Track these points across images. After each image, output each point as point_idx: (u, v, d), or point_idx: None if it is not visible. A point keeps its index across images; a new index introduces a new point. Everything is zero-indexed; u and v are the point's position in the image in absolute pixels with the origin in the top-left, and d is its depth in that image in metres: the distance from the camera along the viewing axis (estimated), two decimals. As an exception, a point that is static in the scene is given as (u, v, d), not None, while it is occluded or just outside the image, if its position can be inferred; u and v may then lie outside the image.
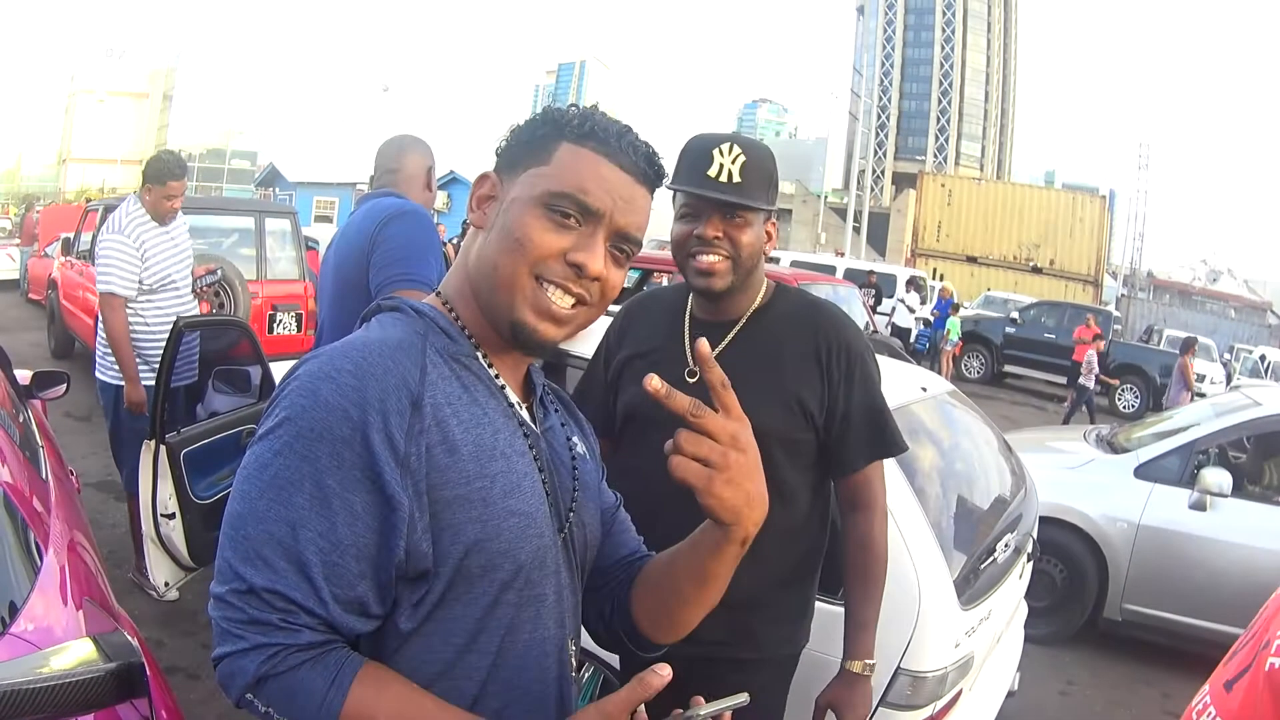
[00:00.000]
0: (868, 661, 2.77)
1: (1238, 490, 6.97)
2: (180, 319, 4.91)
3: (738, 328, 2.80)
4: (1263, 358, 34.31)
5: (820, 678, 2.97)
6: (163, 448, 4.64)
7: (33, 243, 24.84)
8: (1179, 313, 49.89)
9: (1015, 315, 27.63)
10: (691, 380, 2.67)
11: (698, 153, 2.63)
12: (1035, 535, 4.92)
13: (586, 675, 3.99)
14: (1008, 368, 26.80)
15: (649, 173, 1.64)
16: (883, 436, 2.78)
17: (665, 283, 13.26)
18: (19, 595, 2.62)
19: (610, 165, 1.58)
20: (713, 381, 1.48)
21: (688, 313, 2.90)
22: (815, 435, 2.75)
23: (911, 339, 24.78)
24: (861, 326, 11.44)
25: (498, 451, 1.55)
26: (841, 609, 2.98)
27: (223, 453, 5.14)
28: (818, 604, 3.12)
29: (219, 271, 6.65)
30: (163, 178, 5.89)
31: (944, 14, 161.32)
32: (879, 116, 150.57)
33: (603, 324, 4.15)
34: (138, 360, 5.74)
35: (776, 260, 24.88)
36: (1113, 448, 8.01)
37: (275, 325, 11.49)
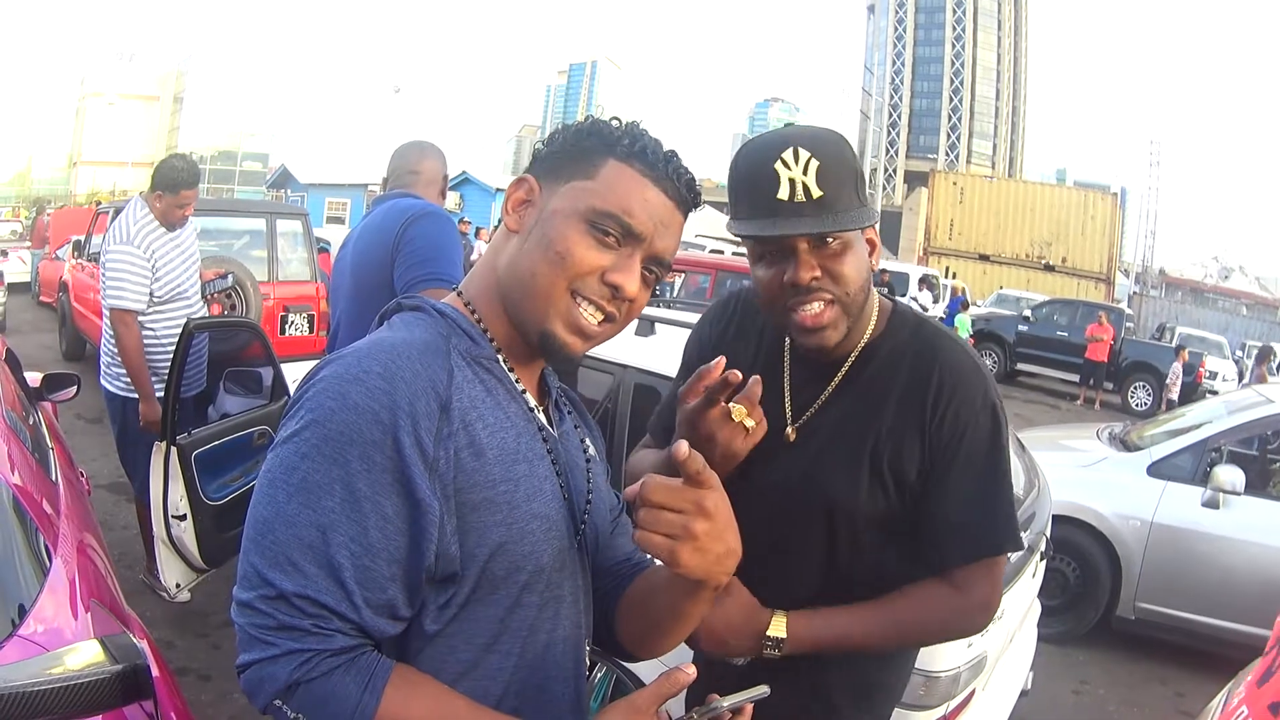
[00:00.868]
0: (781, 635, 2.12)
1: (1251, 488, 6.95)
2: (190, 320, 4.90)
3: (841, 373, 2.20)
4: (1277, 358, 34.18)
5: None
6: (174, 449, 4.63)
7: (44, 245, 24.94)
8: (1191, 310, 49.74)
9: (1028, 313, 27.59)
10: (790, 442, 2.21)
11: (756, 171, 1.98)
12: (1048, 534, 4.91)
13: (599, 675, 3.99)
14: (1020, 366, 26.74)
15: (688, 199, 1.65)
16: (993, 531, 2.13)
17: (678, 284, 13.27)
18: (28, 597, 2.62)
19: (655, 189, 1.59)
20: (688, 472, 1.46)
21: (786, 350, 2.30)
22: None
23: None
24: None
25: (520, 455, 1.55)
26: None
27: (234, 454, 5.13)
28: None
29: (230, 276, 6.63)
30: (176, 186, 5.73)
31: (954, 12, 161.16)
32: (890, 115, 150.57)
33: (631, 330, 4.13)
34: (150, 375, 5.66)
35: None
36: (1125, 446, 7.99)
37: (287, 326, 11.50)
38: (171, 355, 5.07)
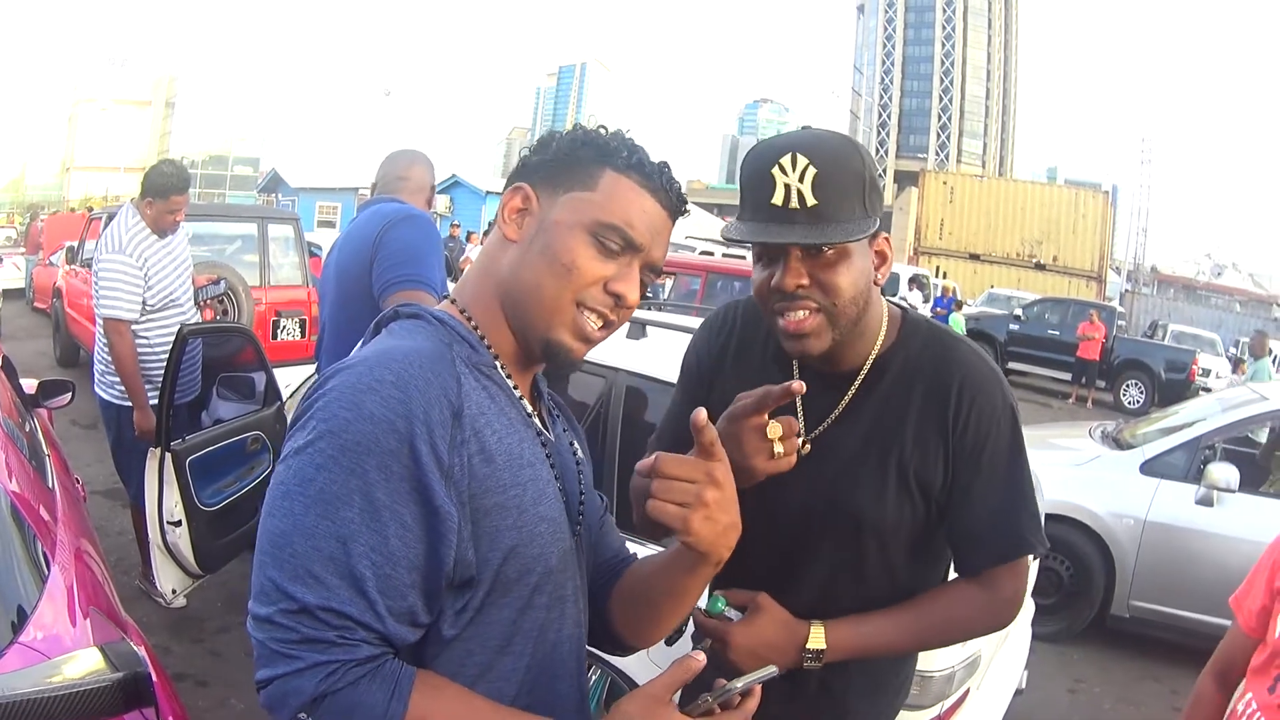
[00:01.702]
0: (821, 647, 2.09)
1: (1245, 485, 6.96)
2: (184, 326, 4.90)
3: (855, 387, 2.17)
4: (1272, 354, 34.19)
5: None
6: (168, 455, 4.63)
7: (38, 251, 24.88)
8: (1184, 307, 49.79)
9: (1019, 312, 27.64)
10: (804, 452, 2.13)
11: (757, 174, 1.96)
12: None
13: (594, 678, 4.00)
14: (1011, 364, 26.77)
15: (677, 209, 1.70)
16: (1020, 533, 2.13)
17: (669, 286, 13.26)
18: (27, 604, 2.62)
19: (651, 199, 1.64)
20: (702, 441, 1.53)
21: (795, 362, 2.23)
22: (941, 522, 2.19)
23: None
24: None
25: (525, 460, 1.58)
26: None
27: (228, 459, 5.15)
28: None
29: (222, 283, 6.64)
30: (166, 192, 5.73)
31: (944, 11, 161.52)
32: (880, 115, 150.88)
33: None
34: (144, 383, 5.66)
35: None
36: (1118, 444, 8.01)
37: (279, 331, 11.53)
38: (165, 362, 5.05)
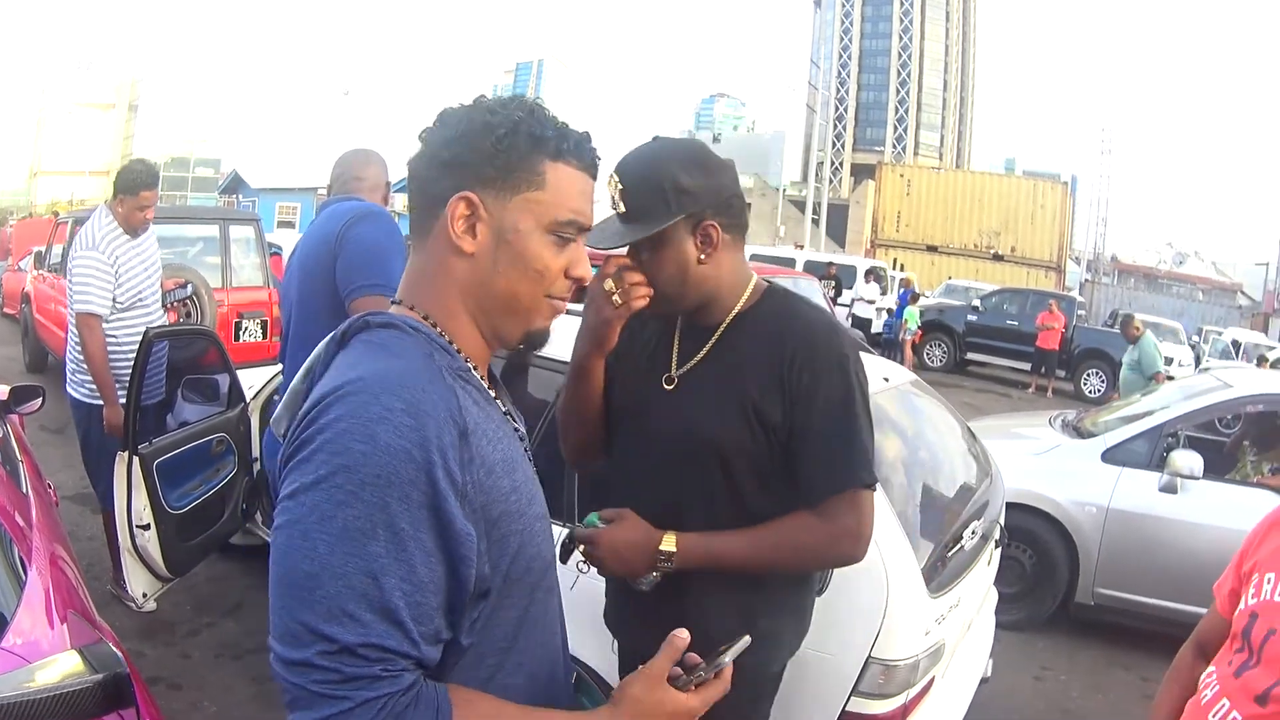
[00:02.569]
0: (671, 549, 2.44)
1: (1209, 472, 7.01)
2: (149, 329, 4.90)
3: (714, 338, 2.58)
4: (1235, 342, 34.48)
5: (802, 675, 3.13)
6: (136, 459, 4.64)
7: (6, 257, 24.67)
8: (1145, 296, 50.28)
9: (977, 303, 27.74)
10: (669, 387, 2.60)
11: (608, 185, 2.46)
12: (1003, 522, 4.97)
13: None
14: (970, 355, 26.91)
15: (596, 169, 1.77)
16: (851, 465, 2.44)
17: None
18: (6, 609, 2.63)
19: (585, 177, 1.71)
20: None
21: (679, 320, 2.69)
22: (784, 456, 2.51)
23: (872, 329, 25.02)
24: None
25: (514, 461, 1.63)
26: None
27: (194, 462, 5.17)
28: None
29: (189, 286, 6.64)
30: (135, 188, 5.84)
31: (902, 4, 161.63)
32: (837, 108, 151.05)
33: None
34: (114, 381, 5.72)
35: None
36: (1079, 433, 8.05)
37: (241, 333, 11.48)
38: (132, 363, 5.09)
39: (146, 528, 4.69)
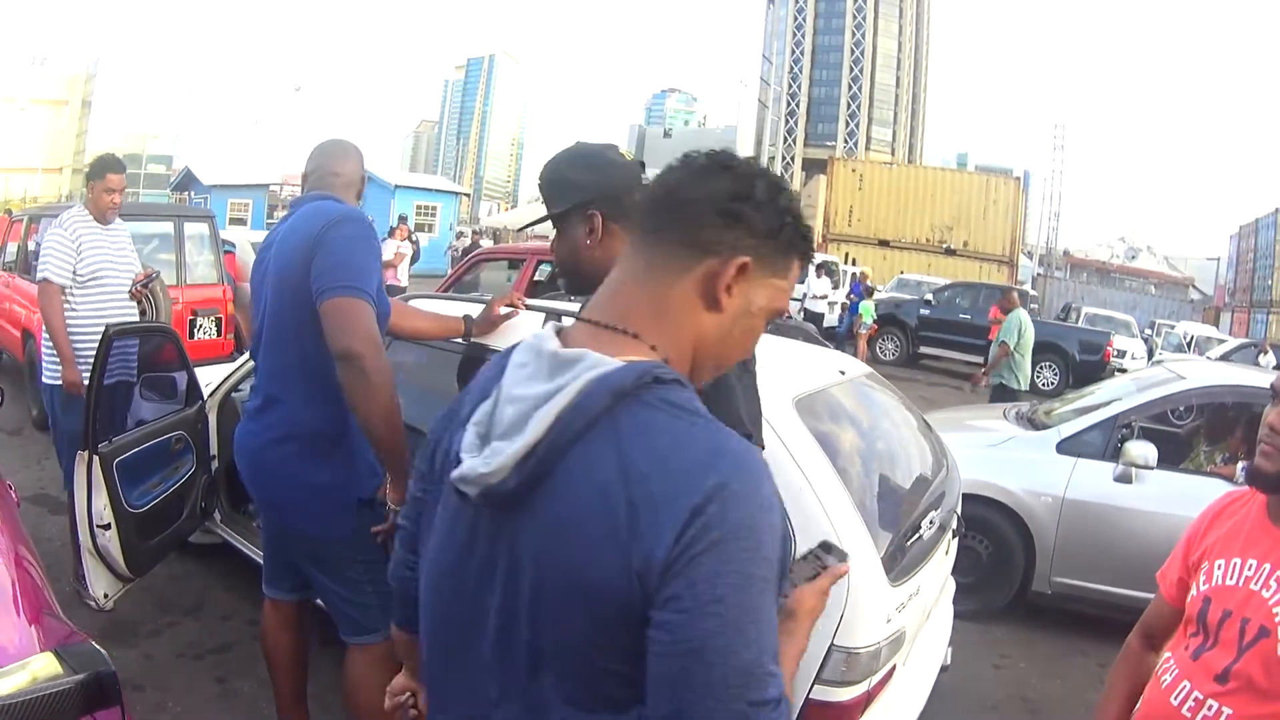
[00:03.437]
0: None
1: (1163, 462, 7.12)
2: (110, 326, 4.87)
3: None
4: (1187, 335, 34.86)
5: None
6: (95, 458, 4.60)
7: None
8: (1098, 290, 50.79)
9: (929, 297, 27.92)
10: None
11: None
12: (959, 512, 5.02)
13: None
14: (923, 349, 27.08)
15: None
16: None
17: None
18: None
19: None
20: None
21: None
22: None
23: (825, 323, 25.18)
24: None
25: None
26: None
27: (153, 460, 5.13)
28: None
29: (157, 273, 6.78)
30: (102, 171, 6.37)
31: (855, 0, 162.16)
32: (789, 104, 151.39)
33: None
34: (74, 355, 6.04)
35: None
36: (1033, 424, 8.16)
37: (196, 330, 11.40)
38: (91, 338, 5.56)
39: (107, 527, 4.65)
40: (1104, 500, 7.16)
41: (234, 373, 6.04)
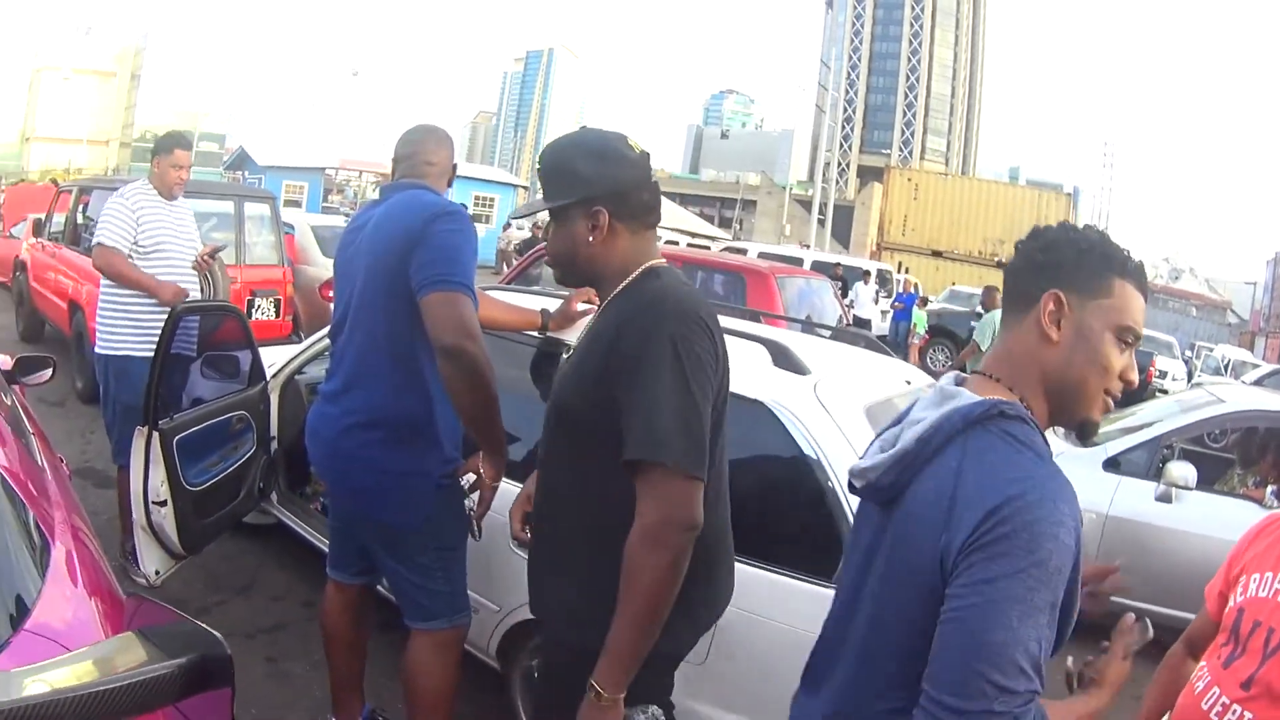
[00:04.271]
0: (603, 692, 2.48)
1: (1202, 483, 7.18)
2: (177, 305, 4.93)
3: (598, 311, 2.85)
4: (1225, 358, 34.64)
5: (749, 636, 3.63)
6: (155, 434, 4.60)
7: (-2, 222, 24.37)
8: (1142, 310, 50.27)
9: (980, 309, 27.82)
10: (565, 358, 3.11)
11: None
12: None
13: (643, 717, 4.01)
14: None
15: (1148, 291, 2.14)
16: (651, 437, 2.43)
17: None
18: (30, 589, 2.53)
19: (1140, 297, 2.06)
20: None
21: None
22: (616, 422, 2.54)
23: (872, 330, 25.17)
24: (836, 319, 11.53)
25: None
26: (778, 577, 3.68)
27: (212, 438, 5.12)
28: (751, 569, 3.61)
29: (222, 247, 6.82)
30: (170, 147, 6.25)
31: (913, 8, 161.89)
32: (845, 110, 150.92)
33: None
34: (128, 326, 5.98)
35: (743, 251, 25.37)
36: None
37: (254, 311, 11.39)
38: (150, 309, 5.74)
39: (163, 504, 4.65)
40: (1144, 519, 7.22)
41: (301, 353, 6.07)
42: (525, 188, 53.37)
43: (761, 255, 24.72)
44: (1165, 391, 22.00)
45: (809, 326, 7.50)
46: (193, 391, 5.33)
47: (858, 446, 3.71)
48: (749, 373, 4.09)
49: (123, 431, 5.61)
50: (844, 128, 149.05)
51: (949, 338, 27.21)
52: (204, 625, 2.06)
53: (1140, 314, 2.06)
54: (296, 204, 43.12)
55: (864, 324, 25.10)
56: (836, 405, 3.98)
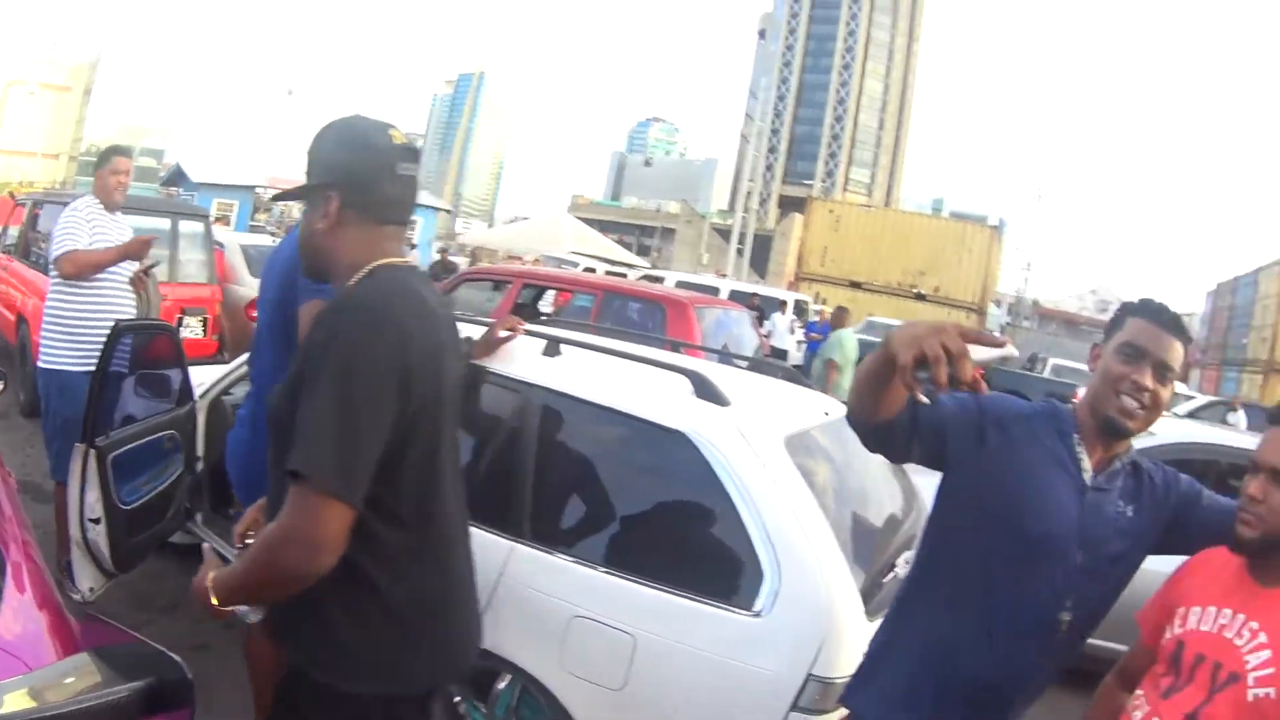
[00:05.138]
0: (207, 585, 2.53)
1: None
2: (120, 321, 4.98)
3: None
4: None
5: (667, 661, 3.71)
6: (93, 451, 4.63)
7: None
8: (1066, 342, 50.64)
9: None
10: None
11: None
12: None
13: (502, 686, 4.14)
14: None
15: (1171, 326, 2.79)
16: (304, 449, 2.33)
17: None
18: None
19: (1150, 324, 2.77)
20: None
21: None
22: None
23: (788, 360, 25.46)
24: (753, 349, 11.65)
25: None
26: (694, 604, 3.73)
27: (145, 458, 5.14)
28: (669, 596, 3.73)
29: (156, 264, 6.85)
30: (109, 155, 6.45)
31: (846, 40, 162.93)
32: (771, 140, 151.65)
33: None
34: (71, 341, 6.06)
35: (660, 279, 25.48)
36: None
37: (182, 329, 11.14)
38: (93, 326, 5.90)
39: (97, 521, 4.68)
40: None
41: (227, 375, 6.12)
42: (449, 211, 53.00)
43: (679, 284, 24.89)
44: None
45: (726, 357, 7.58)
46: (124, 409, 5.34)
47: (777, 478, 3.85)
48: (671, 403, 4.18)
49: (62, 447, 5.63)
50: (768, 157, 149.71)
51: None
52: (162, 647, 2.09)
53: (1140, 334, 2.75)
54: (226, 221, 42.64)
55: (781, 354, 25.32)
56: (757, 437, 4.04)
